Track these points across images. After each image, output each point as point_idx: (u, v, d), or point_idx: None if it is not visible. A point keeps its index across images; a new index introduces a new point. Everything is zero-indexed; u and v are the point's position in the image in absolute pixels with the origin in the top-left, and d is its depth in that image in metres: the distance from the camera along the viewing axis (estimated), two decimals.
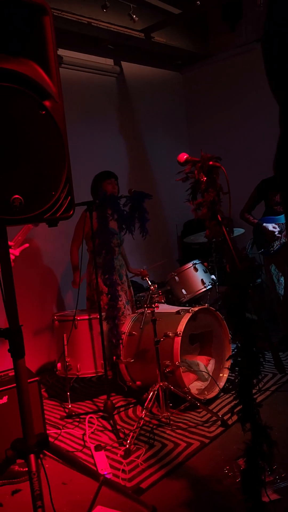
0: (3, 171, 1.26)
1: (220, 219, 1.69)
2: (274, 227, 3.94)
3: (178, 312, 3.28)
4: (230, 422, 2.86)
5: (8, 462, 1.59)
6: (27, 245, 2.37)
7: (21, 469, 2.41)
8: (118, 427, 2.97)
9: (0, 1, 1.18)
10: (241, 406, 1.73)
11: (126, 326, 3.47)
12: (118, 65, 5.15)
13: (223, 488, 2.21)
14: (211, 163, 1.69)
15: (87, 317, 3.46)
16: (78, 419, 3.17)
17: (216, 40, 5.54)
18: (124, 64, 5.21)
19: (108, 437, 2.88)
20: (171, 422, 2.95)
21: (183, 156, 1.79)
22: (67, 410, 3.31)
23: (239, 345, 1.73)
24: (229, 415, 2.92)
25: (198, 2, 4.19)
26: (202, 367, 3.43)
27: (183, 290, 3.80)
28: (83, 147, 4.53)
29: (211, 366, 3.51)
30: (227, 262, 1.70)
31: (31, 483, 1.48)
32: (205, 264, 3.97)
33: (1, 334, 1.51)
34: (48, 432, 2.92)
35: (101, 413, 3.19)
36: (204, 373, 3.39)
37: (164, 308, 3.50)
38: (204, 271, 3.88)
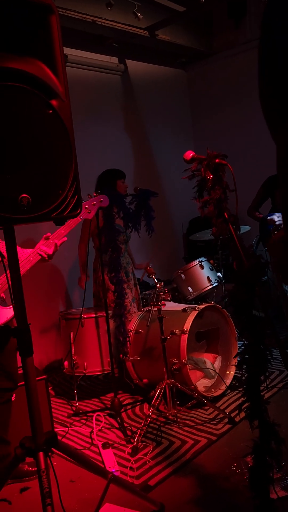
0: (11, 170, 1.26)
1: (226, 216, 1.69)
2: (279, 217, 3.91)
3: (184, 310, 3.28)
4: (237, 419, 2.86)
5: (17, 460, 1.60)
6: (65, 238, 2.38)
7: (30, 468, 2.43)
8: (126, 424, 2.98)
9: (6, 1, 1.18)
10: (248, 404, 1.73)
11: (133, 324, 3.47)
12: (123, 63, 5.15)
13: (230, 485, 2.22)
14: (217, 160, 1.69)
15: (93, 315, 3.47)
16: (85, 417, 3.19)
17: (220, 37, 5.52)
18: (129, 62, 5.21)
19: (116, 434, 2.90)
20: (178, 420, 2.96)
21: (189, 154, 1.78)
22: (74, 408, 3.32)
23: (246, 342, 1.73)
24: (236, 412, 2.93)
25: (203, 0, 4.17)
26: (208, 365, 3.43)
27: (189, 288, 3.80)
28: (88, 145, 4.54)
29: (217, 364, 3.51)
30: (234, 259, 1.70)
31: (40, 481, 1.48)
32: (211, 261, 3.96)
33: (9, 333, 1.52)
34: (55, 430, 2.94)
35: (108, 411, 3.20)
36: (210, 370, 3.39)
37: (170, 306, 3.50)
38: (210, 268, 3.88)
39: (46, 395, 2.74)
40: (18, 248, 2.26)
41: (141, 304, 3.94)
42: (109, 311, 3.27)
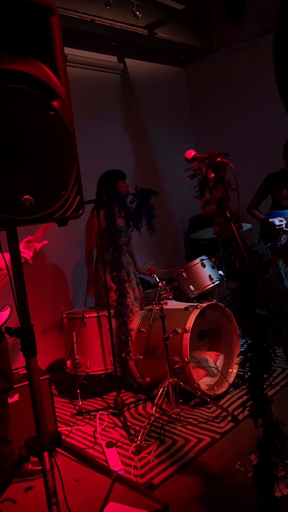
0: (13, 172, 1.27)
1: (228, 215, 1.69)
2: (281, 221, 3.92)
3: (186, 309, 3.28)
4: (240, 417, 2.86)
5: (22, 460, 1.61)
6: (46, 242, 2.38)
7: (34, 467, 2.43)
8: (129, 423, 2.99)
9: (6, 2, 1.18)
10: (252, 402, 1.73)
11: (135, 323, 3.48)
12: (122, 62, 5.14)
13: (235, 483, 2.22)
14: (218, 159, 1.69)
15: (95, 314, 3.47)
16: (88, 416, 3.19)
17: (219, 35, 5.51)
18: (128, 61, 5.20)
19: (119, 433, 2.90)
20: (182, 418, 2.96)
21: (191, 153, 1.78)
22: (77, 407, 3.33)
23: (249, 341, 1.73)
24: (239, 410, 2.94)
25: None
26: (211, 363, 3.43)
27: (191, 286, 3.80)
28: (88, 144, 4.53)
29: (220, 362, 3.51)
30: (236, 258, 1.70)
31: (45, 481, 1.49)
32: (213, 259, 3.96)
33: (13, 334, 1.52)
34: (59, 429, 2.95)
35: (111, 410, 3.21)
36: (213, 368, 3.39)
37: (172, 304, 3.50)
38: (211, 266, 3.88)
39: (49, 394, 2.75)
40: None
41: (144, 304, 3.94)
42: (111, 310, 3.27)
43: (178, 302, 3.69)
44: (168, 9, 4.67)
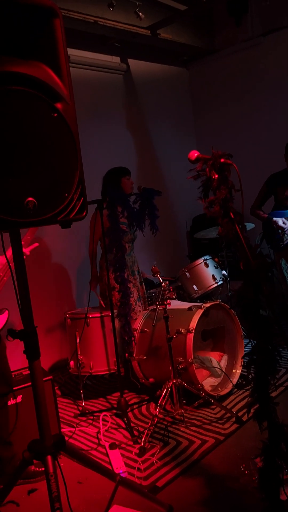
0: (16, 174, 1.26)
1: (232, 216, 1.68)
2: (284, 222, 3.91)
3: (190, 309, 3.27)
4: (244, 418, 2.85)
5: (25, 463, 1.60)
6: (36, 244, 2.38)
7: (37, 469, 2.43)
8: (132, 424, 2.98)
9: (10, 4, 1.17)
10: (257, 405, 1.72)
11: (138, 323, 3.47)
12: (125, 62, 5.14)
13: (239, 486, 2.21)
14: (222, 160, 1.68)
15: (99, 314, 3.47)
16: (92, 417, 3.19)
17: (222, 35, 5.50)
18: (131, 61, 5.20)
19: (122, 435, 2.89)
20: (185, 419, 2.95)
21: (194, 154, 1.77)
22: (80, 408, 3.33)
23: (254, 342, 1.72)
24: (244, 411, 2.92)
25: None
26: (215, 363, 3.42)
27: (194, 286, 3.79)
28: (91, 145, 4.53)
29: (224, 362, 3.50)
30: (240, 259, 1.68)
31: (49, 485, 1.48)
32: (216, 259, 3.95)
33: (16, 336, 1.51)
34: (62, 430, 2.94)
35: (114, 411, 3.20)
36: (217, 369, 3.38)
37: (175, 304, 3.49)
38: (215, 266, 3.87)
39: (52, 395, 2.74)
40: None
41: (147, 303, 3.94)
42: (114, 310, 3.26)
43: (182, 302, 3.68)
44: (171, 9, 4.67)
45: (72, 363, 3.51)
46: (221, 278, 3.83)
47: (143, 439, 2.70)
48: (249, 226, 4.23)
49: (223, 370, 3.39)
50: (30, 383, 1.58)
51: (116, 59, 5.06)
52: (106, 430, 2.97)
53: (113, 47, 4.86)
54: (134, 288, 3.68)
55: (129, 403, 3.24)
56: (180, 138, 5.70)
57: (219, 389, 3.25)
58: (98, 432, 2.94)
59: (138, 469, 2.47)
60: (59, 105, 1.30)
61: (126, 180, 3.65)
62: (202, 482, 2.30)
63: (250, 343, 1.75)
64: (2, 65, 1.20)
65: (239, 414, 2.90)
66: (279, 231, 3.93)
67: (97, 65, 4.78)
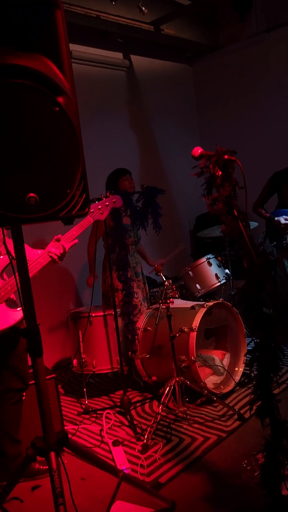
0: (18, 169, 1.25)
1: (236, 214, 1.67)
2: (286, 220, 3.89)
3: (193, 307, 3.27)
4: (247, 415, 2.85)
5: (29, 460, 1.61)
6: (76, 241, 2.36)
7: (41, 466, 2.43)
8: (135, 422, 2.98)
9: None
10: (259, 401, 1.71)
11: (141, 322, 3.47)
12: (128, 58, 5.11)
13: (241, 482, 2.21)
14: (226, 157, 1.67)
15: (102, 313, 3.46)
16: (95, 415, 3.19)
17: (226, 31, 5.46)
18: (134, 57, 5.17)
19: (126, 432, 2.90)
20: (188, 417, 2.95)
21: (198, 151, 1.76)
22: (83, 406, 3.33)
23: (257, 340, 1.72)
24: (246, 408, 2.92)
25: None
26: (217, 362, 3.42)
27: (197, 285, 3.78)
28: (93, 142, 4.52)
29: (226, 360, 3.50)
30: (243, 257, 1.68)
31: (52, 481, 1.49)
32: (219, 258, 3.94)
33: (19, 333, 1.51)
34: (65, 428, 2.94)
35: (117, 409, 3.20)
36: (219, 367, 3.38)
37: (178, 303, 3.49)
38: (218, 265, 3.86)
39: (56, 393, 2.75)
40: (28, 248, 2.26)
41: (149, 303, 3.94)
42: (118, 310, 3.26)
43: (185, 301, 3.68)
44: (174, 4, 4.62)
45: (75, 361, 3.51)
46: (224, 277, 3.82)
47: (146, 436, 2.70)
48: (253, 224, 4.21)
49: (226, 368, 3.38)
50: (33, 382, 1.58)
51: (119, 55, 5.03)
52: (109, 428, 2.98)
53: (116, 42, 4.82)
54: (138, 289, 3.67)
55: (132, 401, 3.24)
56: (183, 135, 5.67)
57: (222, 387, 3.25)
58: (102, 430, 2.95)
59: (141, 465, 2.47)
60: (60, 99, 1.28)
61: (123, 181, 3.64)
62: (204, 478, 2.31)
63: (253, 341, 1.75)
64: (3, 58, 1.19)
65: (241, 411, 2.90)
66: (284, 228, 3.90)
67: (99, 61, 4.75)
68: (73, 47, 4.43)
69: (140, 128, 5.25)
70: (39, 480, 2.41)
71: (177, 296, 3.54)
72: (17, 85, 1.24)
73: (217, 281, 3.76)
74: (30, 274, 2.01)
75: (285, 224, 3.87)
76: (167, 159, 5.48)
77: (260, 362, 1.67)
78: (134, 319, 3.41)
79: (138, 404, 3.28)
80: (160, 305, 3.14)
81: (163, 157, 5.49)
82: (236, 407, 2.99)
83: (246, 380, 3.40)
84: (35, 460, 1.62)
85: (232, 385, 3.28)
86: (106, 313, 3.45)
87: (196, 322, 3.10)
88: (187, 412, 2.98)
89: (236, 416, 2.89)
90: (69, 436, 2.82)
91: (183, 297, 3.93)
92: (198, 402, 3.08)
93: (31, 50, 1.27)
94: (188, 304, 3.41)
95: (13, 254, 1.48)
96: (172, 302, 3.09)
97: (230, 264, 4.19)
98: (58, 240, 2.30)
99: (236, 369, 3.40)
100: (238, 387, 3.33)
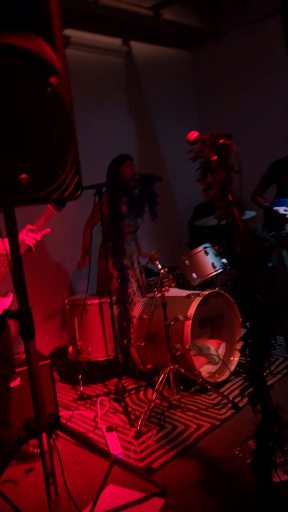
0: (9, 150, 1.24)
1: (230, 199, 1.65)
2: (285, 210, 3.87)
3: (188, 296, 3.27)
4: (240, 404, 2.86)
5: (21, 441, 1.61)
6: (48, 230, 2.37)
7: (36, 450, 2.45)
8: (130, 409, 2.99)
9: None
10: (252, 388, 1.72)
11: (137, 310, 3.47)
12: (127, 44, 5.05)
13: (234, 468, 2.22)
14: (221, 141, 1.65)
15: (97, 301, 3.47)
16: (90, 401, 3.20)
17: (226, 17, 5.38)
18: (133, 43, 5.11)
19: (120, 418, 2.91)
20: (182, 405, 2.96)
21: (193, 135, 1.74)
22: (79, 393, 3.34)
23: (249, 326, 1.71)
24: (240, 398, 2.93)
25: None
26: (212, 351, 3.43)
27: (194, 274, 3.78)
28: (91, 129, 4.49)
29: (221, 350, 3.51)
30: (237, 243, 1.67)
31: (43, 462, 1.50)
32: (216, 247, 3.93)
33: (11, 316, 1.51)
34: (60, 413, 2.96)
35: (112, 396, 3.22)
36: (214, 356, 3.39)
37: (174, 292, 3.49)
38: (215, 254, 3.85)
39: (51, 379, 2.76)
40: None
41: (146, 292, 3.93)
42: (113, 297, 3.25)
43: (181, 290, 3.67)
44: None
45: (70, 348, 3.52)
46: (220, 266, 3.82)
47: (139, 423, 2.71)
48: (250, 214, 4.19)
49: (221, 357, 3.39)
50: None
51: (118, 41, 4.97)
52: (103, 414, 2.99)
53: (115, 28, 4.76)
54: (133, 279, 3.66)
55: (126, 389, 3.25)
56: (182, 123, 5.61)
57: (216, 376, 3.26)
58: (96, 416, 2.96)
59: (134, 451, 2.49)
60: (53, 80, 1.27)
61: (125, 167, 3.61)
62: (197, 464, 2.32)
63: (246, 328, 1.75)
64: None
65: (236, 400, 2.91)
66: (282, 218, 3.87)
67: (97, 47, 4.69)
68: (70, 32, 4.38)
69: (138, 115, 5.20)
70: (33, 463, 2.43)
71: (173, 285, 3.54)
72: (9, 65, 1.22)
73: (213, 270, 3.75)
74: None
75: (283, 214, 3.85)
76: (166, 146, 5.44)
77: (252, 348, 1.67)
78: (129, 308, 3.41)
79: (132, 392, 3.30)
80: (155, 293, 3.13)
81: (161, 145, 5.45)
82: (230, 396, 3.00)
83: (241, 370, 3.41)
84: (27, 441, 1.63)
85: (227, 374, 3.29)
86: (101, 301, 3.45)
87: (191, 311, 3.10)
88: (181, 400, 2.99)
89: (230, 405, 2.90)
90: (64, 421, 2.85)
91: (180, 286, 3.93)
92: (192, 390, 3.09)
93: (23, 29, 1.25)
94: (184, 293, 3.41)
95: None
96: (168, 290, 3.09)
97: (227, 253, 4.18)
98: (31, 230, 2.29)
99: (232, 358, 3.41)
100: (233, 377, 3.34)
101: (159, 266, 3.16)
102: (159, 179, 3.55)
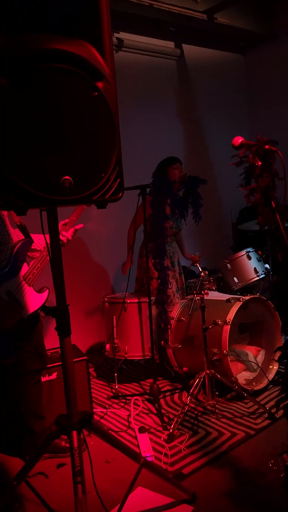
0: (54, 151, 1.27)
1: (274, 205, 1.61)
2: None
3: (228, 300, 3.22)
4: (277, 415, 2.78)
5: (52, 436, 1.65)
6: (81, 225, 2.40)
7: (68, 445, 2.50)
8: (163, 411, 2.99)
9: None
10: None
11: (175, 312, 3.46)
12: (179, 47, 5.05)
13: (266, 482, 2.17)
14: (267, 147, 1.61)
15: (136, 300, 3.49)
16: (124, 400, 3.23)
17: (282, 20, 5.24)
18: (185, 46, 5.11)
19: (153, 420, 2.91)
20: (217, 411, 2.93)
21: (238, 140, 1.72)
22: (114, 391, 3.38)
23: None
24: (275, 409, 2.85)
25: None
26: (251, 357, 3.36)
27: (235, 278, 3.72)
28: (141, 130, 4.52)
29: (260, 357, 3.43)
30: (279, 250, 1.63)
31: (72, 459, 1.52)
32: (259, 252, 3.85)
33: (48, 312, 1.55)
34: (94, 410, 3.00)
35: (147, 396, 3.23)
36: (253, 363, 3.32)
37: (214, 295, 3.45)
38: (257, 259, 3.77)
39: (87, 375, 2.80)
40: (34, 235, 2.31)
41: (185, 294, 3.91)
42: (152, 298, 3.26)
43: (221, 294, 3.63)
44: None
45: (108, 346, 3.57)
46: (263, 271, 3.73)
47: (172, 426, 2.70)
48: None
49: (259, 365, 3.32)
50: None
51: (170, 44, 4.98)
52: (137, 414, 3.01)
53: (168, 31, 4.78)
54: (173, 280, 3.66)
55: (161, 390, 3.25)
56: (232, 128, 5.54)
57: (254, 383, 3.19)
58: (129, 415, 2.98)
59: (165, 454, 2.48)
60: (100, 84, 1.29)
61: (173, 169, 3.62)
62: (228, 474, 2.28)
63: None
64: (45, 42, 1.21)
65: (273, 410, 2.84)
66: None
67: (150, 49, 4.72)
68: (124, 35, 4.44)
69: (187, 118, 5.19)
70: (65, 458, 2.47)
71: (214, 288, 3.49)
72: (58, 70, 1.26)
73: (255, 276, 3.68)
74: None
75: None
76: (213, 150, 5.40)
77: None
78: (168, 309, 3.40)
79: (167, 394, 3.29)
80: (194, 296, 3.11)
81: (209, 148, 5.41)
82: (267, 406, 2.93)
83: (280, 379, 3.31)
84: (58, 437, 1.66)
85: (265, 382, 3.21)
86: (140, 300, 3.47)
87: (230, 316, 3.06)
88: (216, 406, 2.96)
89: (266, 415, 2.84)
90: (97, 418, 2.88)
91: (220, 290, 3.88)
92: (228, 396, 3.04)
93: (73, 35, 1.28)
94: (224, 297, 3.36)
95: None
96: (207, 294, 3.06)
97: (270, 259, 4.08)
98: (65, 225, 2.33)
99: (271, 367, 3.33)
100: (271, 386, 3.26)
101: (200, 269, 3.13)
102: (204, 181, 3.52)
